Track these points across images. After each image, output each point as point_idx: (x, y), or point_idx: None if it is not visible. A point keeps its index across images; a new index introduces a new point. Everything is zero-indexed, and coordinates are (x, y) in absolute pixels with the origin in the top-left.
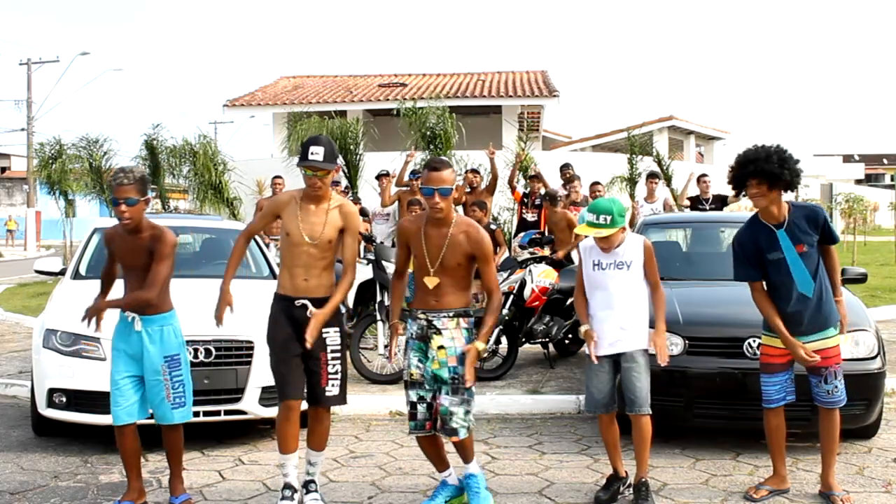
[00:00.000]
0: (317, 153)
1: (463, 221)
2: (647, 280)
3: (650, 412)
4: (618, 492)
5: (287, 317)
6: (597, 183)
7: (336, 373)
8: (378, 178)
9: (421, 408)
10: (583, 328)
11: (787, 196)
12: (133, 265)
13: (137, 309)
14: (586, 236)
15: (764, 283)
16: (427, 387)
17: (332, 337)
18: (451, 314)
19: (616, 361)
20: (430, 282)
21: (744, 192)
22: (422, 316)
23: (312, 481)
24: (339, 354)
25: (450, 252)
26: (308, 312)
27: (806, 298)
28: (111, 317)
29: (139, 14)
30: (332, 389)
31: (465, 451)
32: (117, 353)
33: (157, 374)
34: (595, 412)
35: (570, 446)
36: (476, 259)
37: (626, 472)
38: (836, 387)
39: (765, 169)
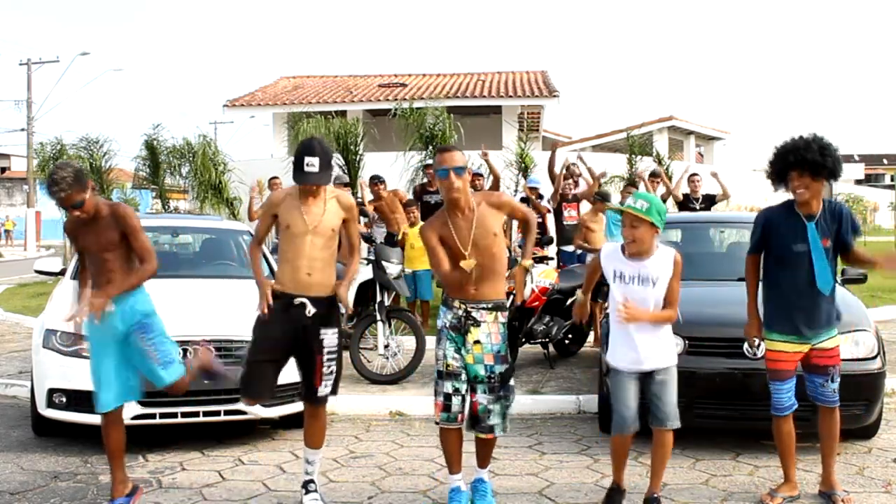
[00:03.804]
0: (312, 164)
1: (478, 195)
2: (665, 297)
3: (679, 426)
4: None
5: (281, 317)
6: (630, 184)
7: (331, 373)
8: (372, 183)
9: (456, 399)
10: (579, 296)
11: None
12: (100, 249)
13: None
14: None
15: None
16: (463, 377)
17: (330, 338)
18: (489, 306)
19: (640, 377)
20: (468, 264)
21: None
22: (459, 305)
23: (312, 481)
24: (335, 355)
25: (480, 229)
26: (307, 311)
27: (821, 295)
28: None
29: (139, 14)
30: (325, 389)
31: (488, 454)
32: (91, 344)
33: (137, 343)
34: (625, 432)
35: (570, 446)
36: (509, 216)
37: (626, 486)
38: (838, 385)
39: (806, 158)
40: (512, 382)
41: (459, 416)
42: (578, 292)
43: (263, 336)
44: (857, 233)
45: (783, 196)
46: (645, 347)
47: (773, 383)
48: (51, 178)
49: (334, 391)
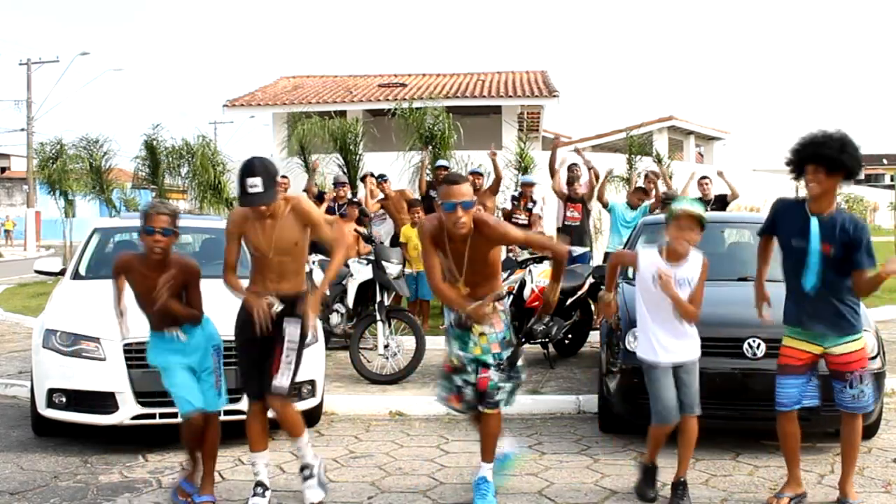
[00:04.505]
0: (255, 185)
1: (477, 221)
2: (691, 298)
3: (700, 412)
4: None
5: (253, 317)
6: (641, 190)
7: (290, 363)
8: (362, 178)
9: (468, 391)
10: (606, 295)
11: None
12: (153, 298)
13: (175, 322)
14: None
15: (774, 244)
16: (469, 369)
17: (291, 329)
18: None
19: (673, 369)
20: (462, 290)
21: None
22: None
23: (306, 465)
24: (295, 347)
25: (473, 256)
26: (274, 309)
27: (805, 295)
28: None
29: (139, 14)
30: (281, 379)
31: (492, 444)
32: (165, 365)
33: (210, 362)
34: (667, 423)
35: (569, 446)
36: (500, 242)
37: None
38: (863, 391)
39: (823, 154)
40: (521, 362)
41: (475, 405)
42: (603, 292)
43: (244, 340)
44: (872, 260)
45: (783, 193)
46: (677, 343)
47: (777, 377)
48: (160, 200)
49: (289, 390)
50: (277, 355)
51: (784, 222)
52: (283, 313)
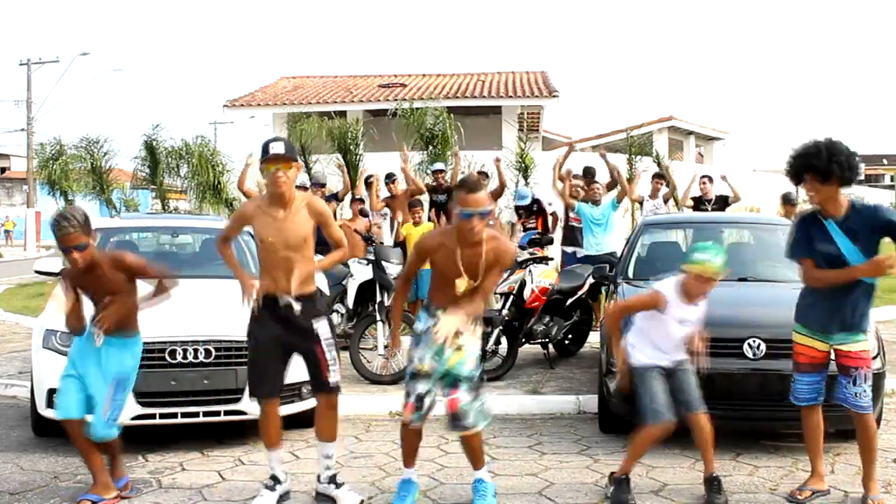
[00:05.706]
0: (277, 147)
1: (490, 236)
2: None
3: (706, 409)
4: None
5: (271, 316)
6: (594, 181)
7: (333, 360)
8: (366, 180)
9: (427, 400)
10: (621, 363)
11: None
12: (105, 293)
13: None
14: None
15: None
16: (434, 379)
17: (323, 327)
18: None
19: (663, 373)
20: (469, 284)
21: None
22: (442, 315)
23: (336, 474)
24: (332, 343)
25: (486, 267)
26: (294, 311)
27: (838, 293)
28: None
29: (139, 14)
30: (334, 376)
31: (478, 454)
32: (71, 357)
33: (102, 391)
34: (662, 421)
35: (569, 447)
36: (494, 265)
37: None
38: (864, 391)
39: (813, 164)
40: (483, 379)
41: (427, 415)
42: (621, 363)
43: (259, 335)
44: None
45: (783, 193)
46: (668, 347)
47: (795, 374)
48: (61, 215)
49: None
50: (321, 356)
51: (808, 232)
52: (305, 315)
